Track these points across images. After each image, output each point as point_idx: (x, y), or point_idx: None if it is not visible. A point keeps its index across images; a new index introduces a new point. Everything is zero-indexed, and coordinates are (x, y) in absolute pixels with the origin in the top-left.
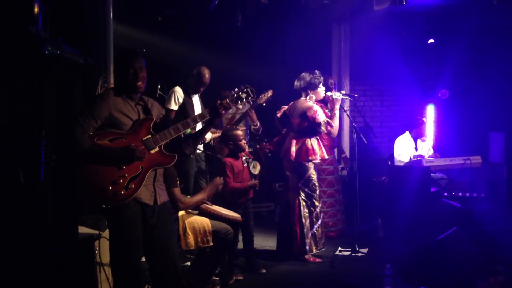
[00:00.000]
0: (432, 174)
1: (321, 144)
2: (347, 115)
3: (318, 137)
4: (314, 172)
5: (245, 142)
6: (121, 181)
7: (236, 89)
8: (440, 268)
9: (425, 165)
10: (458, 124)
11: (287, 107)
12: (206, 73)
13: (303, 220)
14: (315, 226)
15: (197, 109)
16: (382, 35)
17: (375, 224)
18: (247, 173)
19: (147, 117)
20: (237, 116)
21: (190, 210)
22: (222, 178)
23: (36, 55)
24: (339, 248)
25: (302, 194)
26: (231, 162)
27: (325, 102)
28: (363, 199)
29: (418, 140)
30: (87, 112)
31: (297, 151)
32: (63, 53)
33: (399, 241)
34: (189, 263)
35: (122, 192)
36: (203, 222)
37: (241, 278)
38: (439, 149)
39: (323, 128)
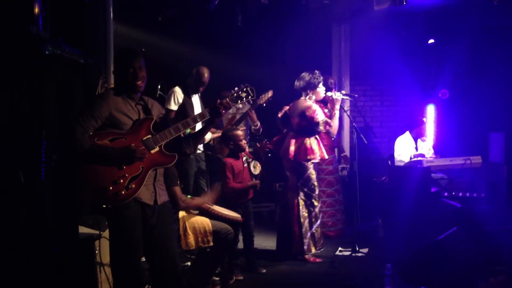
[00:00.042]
0: (432, 174)
1: (321, 144)
2: (347, 115)
3: (318, 137)
4: (313, 172)
5: (245, 142)
6: (122, 181)
7: (236, 88)
8: (440, 268)
9: (425, 165)
10: (458, 124)
11: (288, 107)
12: (205, 73)
13: (302, 220)
14: (314, 226)
15: (197, 109)
16: (382, 35)
17: (375, 224)
18: (247, 173)
19: (147, 117)
20: (238, 116)
21: (191, 210)
22: (220, 183)
23: (37, 55)
24: (339, 248)
25: (301, 194)
26: (231, 162)
27: (325, 102)
28: (363, 199)
29: (419, 140)
30: (87, 112)
31: (296, 150)
32: (63, 53)
33: (399, 241)
34: (189, 263)
35: (123, 192)
36: (204, 222)
37: (241, 278)
38: (439, 149)
39: (321, 127)
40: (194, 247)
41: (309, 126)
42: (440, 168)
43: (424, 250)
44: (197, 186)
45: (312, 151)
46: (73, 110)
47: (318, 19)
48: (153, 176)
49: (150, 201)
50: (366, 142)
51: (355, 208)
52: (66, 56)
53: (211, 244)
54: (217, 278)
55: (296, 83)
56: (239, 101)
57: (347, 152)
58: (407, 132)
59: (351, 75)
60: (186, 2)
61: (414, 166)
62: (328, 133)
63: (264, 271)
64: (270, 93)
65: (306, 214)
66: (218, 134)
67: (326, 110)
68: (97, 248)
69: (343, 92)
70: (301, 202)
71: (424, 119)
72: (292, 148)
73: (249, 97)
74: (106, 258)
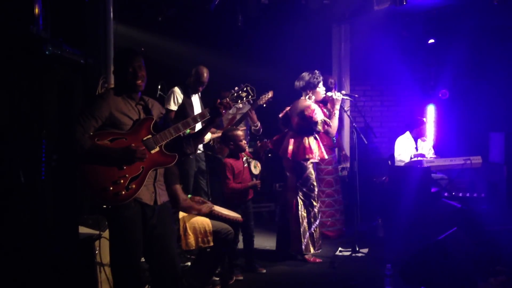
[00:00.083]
0: (432, 174)
1: (321, 144)
2: (348, 115)
3: (317, 137)
4: (312, 172)
5: (245, 142)
6: (122, 181)
7: (236, 88)
8: (440, 268)
9: (425, 165)
10: (458, 124)
11: (289, 108)
12: (205, 73)
13: (301, 220)
14: (313, 226)
15: (197, 109)
16: (382, 35)
17: (375, 224)
18: (248, 174)
19: (148, 117)
20: (238, 117)
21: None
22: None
23: (37, 55)
24: (340, 248)
25: (300, 194)
26: (231, 163)
27: (325, 102)
28: (364, 199)
29: (419, 140)
30: (88, 112)
31: (294, 150)
32: (64, 53)
33: (399, 241)
34: (189, 263)
35: (123, 193)
36: (204, 222)
37: (241, 278)
38: (439, 149)
39: (319, 127)
40: (194, 247)
41: (307, 126)
42: (440, 168)
43: (424, 250)
44: (197, 186)
45: (310, 150)
46: (74, 110)
47: (318, 19)
48: (153, 176)
49: (150, 202)
50: (366, 142)
51: (355, 208)
52: (66, 56)
53: (211, 244)
54: (217, 278)
55: (296, 83)
56: (239, 101)
57: (347, 152)
58: (407, 132)
59: (351, 75)
60: (186, 2)
61: (414, 166)
62: (327, 133)
63: (264, 271)
64: (270, 94)
65: (305, 214)
66: (218, 134)
67: (325, 110)
68: (97, 248)
69: (343, 92)
70: (300, 202)
71: (424, 119)
72: (290, 147)
73: (249, 96)
74: (106, 258)
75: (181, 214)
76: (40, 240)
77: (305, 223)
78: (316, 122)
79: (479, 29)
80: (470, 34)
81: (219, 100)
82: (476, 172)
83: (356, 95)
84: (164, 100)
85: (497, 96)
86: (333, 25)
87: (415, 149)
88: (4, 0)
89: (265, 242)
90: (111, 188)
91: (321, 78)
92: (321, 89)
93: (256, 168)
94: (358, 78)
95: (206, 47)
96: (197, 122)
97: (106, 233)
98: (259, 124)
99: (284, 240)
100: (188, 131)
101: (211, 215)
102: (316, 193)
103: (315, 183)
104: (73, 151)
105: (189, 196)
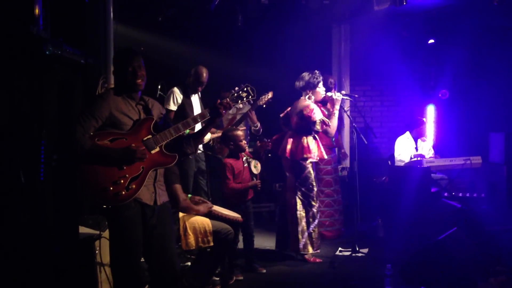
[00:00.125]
0: (432, 174)
1: (320, 144)
2: (348, 115)
3: (317, 137)
4: (311, 172)
5: (245, 142)
6: (122, 181)
7: (236, 88)
8: (440, 268)
9: (425, 165)
10: (458, 124)
11: (290, 108)
12: (204, 72)
13: (299, 220)
14: (312, 226)
15: (196, 109)
16: (382, 35)
17: (375, 224)
18: (248, 174)
19: (148, 117)
20: (238, 117)
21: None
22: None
23: (37, 55)
24: (339, 248)
25: (299, 193)
26: (231, 163)
27: (324, 102)
28: (363, 199)
29: (419, 140)
30: (88, 112)
31: (293, 149)
32: (64, 53)
33: (399, 242)
34: (189, 263)
35: (123, 193)
36: (204, 222)
37: (241, 278)
38: (439, 149)
39: (318, 126)
40: (194, 247)
41: (306, 125)
42: (440, 168)
43: (424, 250)
44: (197, 186)
45: (308, 150)
46: (74, 110)
47: (318, 19)
48: (154, 177)
49: (150, 202)
50: (366, 142)
51: (355, 208)
52: (66, 56)
53: (211, 244)
54: (217, 278)
55: (297, 83)
56: (239, 101)
57: (346, 151)
58: (407, 132)
59: (351, 75)
60: (186, 2)
61: (414, 166)
62: (326, 132)
63: (264, 271)
64: (270, 94)
65: (304, 214)
66: (218, 134)
67: (323, 109)
68: (97, 248)
69: (343, 92)
70: (299, 202)
71: (424, 119)
72: (289, 146)
73: (250, 97)
74: (106, 258)
75: (181, 214)
76: (40, 240)
77: (303, 223)
78: (315, 122)
79: (479, 29)
80: (470, 34)
81: (219, 101)
82: (476, 172)
83: (356, 95)
84: (163, 100)
85: (497, 96)
86: (333, 25)
87: (415, 149)
88: (4, 0)
89: (265, 242)
90: (111, 188)
91: (321, 78)
92: (321, 89)
93: (256, 168)
94: (358, 78)
95: (206, 47)
96: (197, 122)
97: (106, 233)
98: (259, 125)
99: (283, 240)
100: (187, 131)
101: (211, 215)
102: (315, 193)
103: (314, 183)
104: (74, 151)
105: (189, 196)
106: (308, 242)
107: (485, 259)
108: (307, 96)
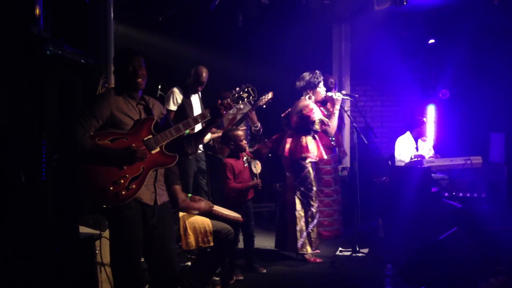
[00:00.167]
0: (432, 174)
1: (320, 144)
2: (348, 115)
3: (316, 137)
4: (311, 171)
5: (245, 142)
6: (122, 181)
7: (237, 89)
8: (441, 268)
9: (425, 165)
10: (458, 124)
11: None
12: (204, 72)
13: (298, 219)
14: (310, 226)
15: (196, 109)
16: (383, 35)
17: (375, 224)
18: (248, 173)
19: (148, 117)
20: (238, 117)
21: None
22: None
23: (38, 55)
24: (340, 248)
25: (298, 193)
26: (231, 163)
27: (324, 102)
28: (364, 199)
29: (419, 140)
30: (88, 112)
31: (292, 148)
32: (65, 53)
33: (399, 242)
34: (189, 263)
35: (123, 193)
36: (204, 222)
37: (241, 278)
38: (439, 149)
39: (317, 126)
40: (194, 247)
41: (305, 125)
42: (441, 168)
43: (425, 250)
44: (197, 186)
45: (307, 149)
46: (74, 110)
47: (319, 19)
48: (154, 177)
49: (150, 201)
50: (366, 142)
51: (355, 208)
52: (67, 56)
53: (212, 244)
54: (217, 278)
55: (297, 83)
56: (240, 102)
57: (347, 150)
58: (408, 132)
59: (352, 75)
60: (186, 2)
61: (415, 166)
62: (325, 132)
63: (264, 271)
64: (270, 95)
65: (303, 213)
66: (219, 134)
67: (322, 108)
68: (98, 248)
69: (344, 92)
70: (298, 201)
71: (424, 119)
72: (287, 145)
73: (251, 97)
74: (106, 258)
75: (181, 214)
76: (40, 240)
77: (302, 222)
78: (314, 122)
79: (480, 29)
80: (471, 34)
81: (220, 101)
82: (477, 172)
83: (357, 95)
84: (164, 100)
85: (497, 96)
86: (333, 25)
87: (415, 149)
88: (5, 0)
89: (265, 242)
90: (111, 188)
91: (322, 78)
92: (321, 89)
93: (256, 167)
94: (359, 78)
95: (206, 47)
96: (198, 122)
97: (106, 233)
98: (259, 125)
99: (283, 239)
100: (187, 131)
101: (211, 215)
102: (314, 192)
103: (313, 183)
104: (74, 151)
105: (189, 195)
106: (306, 241)
107: (485, 259)
108: (308, 96)
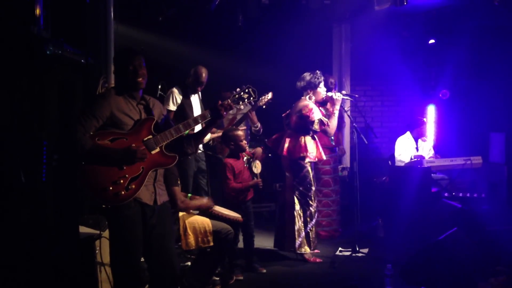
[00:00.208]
0: (432, 175)
1: (319, 145)
2: (348, 115)
3: (316, 138)
4: (310, 171)
5: (245, 142)
6: (122, 181)
7: (238, 89)
8: (441, 268)
9: (425, 165)
10: (458, 124)
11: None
12: (203, 73)
13: (296, 218)
14: (309, 226)
15: (196, 109)
16: (383, 35)
17: (375, 224)
18: (248, 173)
19: (149, 117)
20: (238, 117)
21: (191, 210)
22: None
23: (38, 55)
24: (340, 248)
25: (297, 193)
26: (231, 163)
27: (324, 103)
28: (364, 199)
29: (419, 140)
30: (89, 112)
31: (290, 148)
32: (65, 53)
33: (399, 242)
34: (189, 263)
35: (123, 193)
36: (204, 222)
37: (241, 278)
38: (439, 149)
39: (316, 126)
40: (194, 247)
41: (304, 125)
42: (441, 168)
43: (425, 251)
44: (198, 186)
45: (305, 149)
46: (74, 110)
47: (319, 19)
48: (153, 177)
49: (150, 201)
50: (366, 142)
51: (355, 208)
52: (67, 56)
53: (211, 244)
54: (217, 278)
55: (298, 83)
56: (240, 102)
57: (347, 152)
58: (408, 132)
59: (352, 75)
60: (186, 2)
61: (415, 166)
62: (324, 132)
63: (264, 271)
64: (269, 95)
65: (301, 213)
66: (219, 134)
67: (321, 108)
68: (97, 248)
69: (344, 92)
70: (296, 201)
71: (424, 119)
72: (286, 145)
73: (251, 98)
74: (106, 258)
75: (181, 214)
76: (40, 240)
77: (300, 222)
78: (313, 122)
79: (480, 29)
80: (471, 34)
81: (220, 102)
82: (477, 172)
83: (357, 95)
84: (163, 100)
85: (497, 96)
86: (333, 25)
87: (415, 149)
88: (5, 0)
89: (265, 242)
90: (111, 188)
91: (322, 78)
92: (321, 89)
93: (256, 167)
94: (359, 78)
95: (206, 47)
96: (198, 123)
97: (106, 233)
98: (259, 125)
99: (281, 239)
100: (186, 132)
101: (211, 215)
102: (313, 192)
103: (312, 183)
104: (74, 151)
105: (189, 195)
106: (304, 241)
107: (485, 259)
108: (308, 96)
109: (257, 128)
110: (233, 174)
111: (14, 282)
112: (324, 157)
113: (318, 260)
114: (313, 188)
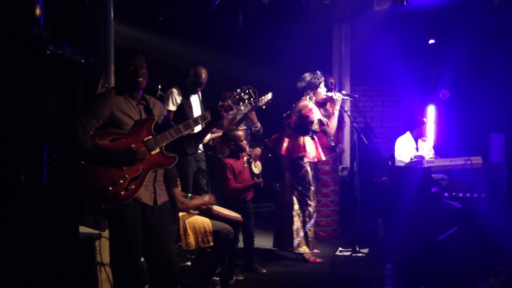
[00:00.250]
0: (432, 175)
1: (318, 145)
2: (348, 115)
3: (315, 138)
4: (309, 171)
5: (245, 142)
6: (122, 181)
7: (238, 90)
8: (441, 268)
9: (425, 165)
10: (458, 124)
11: None
12: (203, 73)
13: (295, 218)
14: (308, 226)
15: (196, 109)
16: (383, 35)
17: (375, 224)
18: (248, 174)
19: (149, 117)
20: (238, 117)
21: (191, 210)
22: (213, 197)
23: (38, 55)
24: (340, 248)
25: (295, 192)
26: (231, 163)
27: (324, 103)
28: (364, 199)
29: (419, 141)
30: (89, 112)
31: (289, 147)
32: (65, 53)
33: (399, 242)
34: (189, 263)
35: (122, 193)
36: (204, 222)
37: (241, 278)
38: (439, 149)
39: (315, 126)
40: (194, 247)
41: (304, 125)
42: (441, 168)
43: (425, 251)
44: (198, 186)
45: (304, 149)
46: (75, 110)
47: (319, 19)
48: (153, 177)
49: (149, 202)
50: (366, 142)
51: (355, 208)
52: (67, 56)
53: (211, 244)
54: (217, 278)
55: (298, 83)
56: (241, 103)
57: (347, 152)
58: (408, 133)
59: (352, 75)
60: (186, 2)
61: (415, 166)
62: (324, 132)
63: (264, 271)
64: (269, 95)
65: (300, 213)
66: (219, 134)
67: (321, 109)
68: (97, 248)
69: (344, 92)
70: (295, 200)
71: (424, 119)
72: (285, 144)
73: (251, 99)
74: (106, 258)
75: (181, 214)
76: (40, 239)
77: (299, 222)
78: (312, 122)
79: (480, 29)
80: (471, 35)
81: (220, 102)
82: (477, 172)
83: (357, 95)
84: (163, 101)
85: (497, 97)
86: (333, 25)
87: (415, 149)
88: (5, 0)
89: (265, 242)
90: (111, 188)
91: (323, 78)
92: (322, 90)
93: (256, 167)
94: (359, 78)
95: (206, 47)
96: (198, 124)
97: (106, 233)
98: (259, 125)
99: (280, 238)
100: (186, 132)
101: (211, 215)
102: (311, 192)
103: (311, 182)
104: (74, 151)
105: (189, 195)
106: (303, 241)
107: (485, 259)
108: (308, 96)
109: (257, 128)
110: (233, 174)
111: (14, 282)
112: (323, 158)
113: (318, 260)
114: (312, 188)
